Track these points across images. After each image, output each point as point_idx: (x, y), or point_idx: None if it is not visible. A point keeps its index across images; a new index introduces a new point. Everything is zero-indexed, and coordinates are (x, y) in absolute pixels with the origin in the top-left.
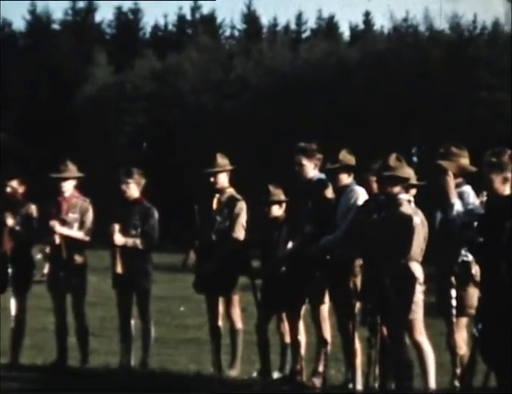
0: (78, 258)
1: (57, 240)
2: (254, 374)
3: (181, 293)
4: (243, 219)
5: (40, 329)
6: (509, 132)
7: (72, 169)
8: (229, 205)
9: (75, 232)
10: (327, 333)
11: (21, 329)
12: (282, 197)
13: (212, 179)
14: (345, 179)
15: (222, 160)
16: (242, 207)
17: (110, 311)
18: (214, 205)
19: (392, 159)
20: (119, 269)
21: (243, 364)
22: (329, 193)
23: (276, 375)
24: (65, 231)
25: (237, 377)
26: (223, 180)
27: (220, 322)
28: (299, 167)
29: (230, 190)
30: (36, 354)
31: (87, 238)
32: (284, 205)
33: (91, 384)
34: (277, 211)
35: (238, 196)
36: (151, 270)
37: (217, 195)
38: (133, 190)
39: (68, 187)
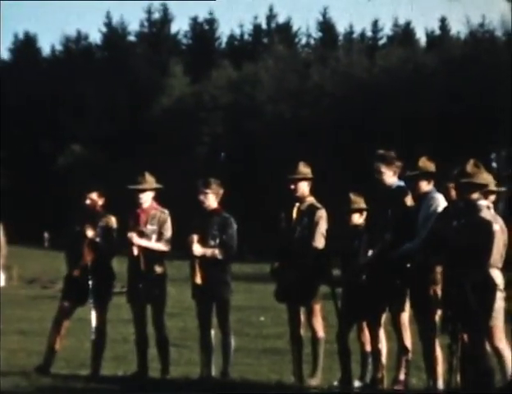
0: (157, 269)
1: (135, 251)
2: (335, 383)
3: (261, 303)
4: (323, 228)
5: (120, 340)
6: None
7: (150, 180)
8: (309, 214)
9: (153, 244)
10: (408, 341)
11: (102, 341)
12: (363, 205)
13: (292, 187)
14: (425, 186)
15: (304, 168)
16: (322, 215)
17: (189, 322)
18: (294, 214)
19: (470, 166)
20: (198, 280)
21: (324, 373)
22: (408, 200)
23: (357, 384)
24: (143, 242)
25: (318, 386)
26: (304, 188)
27: (301, 331)
28: (378, 174)
29: (311, 199)
30: (116, 365)
31: (165, 249)
32: (364, 213)
33: None
34: (358, 219)
35: (318, 205)
36: (230, 280)
37: (297, 204)
38: (211, 200)
39: (146, 199)
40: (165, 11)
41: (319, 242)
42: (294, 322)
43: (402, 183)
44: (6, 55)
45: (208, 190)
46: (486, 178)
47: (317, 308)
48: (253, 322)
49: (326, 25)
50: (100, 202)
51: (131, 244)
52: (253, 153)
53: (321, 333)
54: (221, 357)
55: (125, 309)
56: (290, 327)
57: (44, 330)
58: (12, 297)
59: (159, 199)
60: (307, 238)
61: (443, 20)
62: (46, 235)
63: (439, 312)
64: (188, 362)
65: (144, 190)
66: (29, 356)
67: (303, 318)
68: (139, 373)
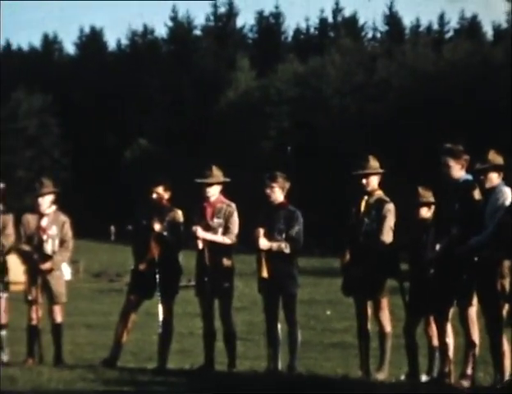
0: (225, 263)
1: (200, 245)
2: (402, 377)
3: (327, 297)
4: (391, 221)
5: (187, 334)
6: None
7: (218, 174)
8: (377, 207)
9: (219, 237)
10: (476, 335)
11: (169, 334)
12: (431, 199)
13: (364, 181)
14: (494, 179)
15: (374, 162)
16: (390, 209)
17: (256, 316)
18: (362, 207)
19: None
20: (264, 274)
21: (391, 367)
22: (476, 194)
23: (424, 378)
24: (208, 236)
25: (385, 380)
26: (374, 182)
27: (368, 326)
28: (445, 168)
29: (379, 193)
30: (183, 358)
31: (231, 243)
32: (432, 207)
33: (238, 389)
34: (426, 213)
35: (386, 198)
36: (297, 274)
37: (366, 197)
38: (277, 194)
39: (214, 192)
40: (231, 5)
41: (387, 236)
42: (362, 317)
43: (470, 177)
44: (72, 50)
45: (274, 184)
46: None
47: (385, 302)
48: (319, 317)
49: (392, 19)
50: (166, 196)
51: (196, 237)
52: (319, 146)
53: (388, 327)
54: (287, 351)
55: (192, 302)
56: (357, 321)
57: (110, 323)
58: (79, 291)
59: (226, 192)
60: (375, 232)
61: (510, 14)
62: (112, 228)
63: (506, 306)
64: (254, 356)
65: (211, 184)
66: (96, 349)
67: (370, 312)
68: (205, 366)
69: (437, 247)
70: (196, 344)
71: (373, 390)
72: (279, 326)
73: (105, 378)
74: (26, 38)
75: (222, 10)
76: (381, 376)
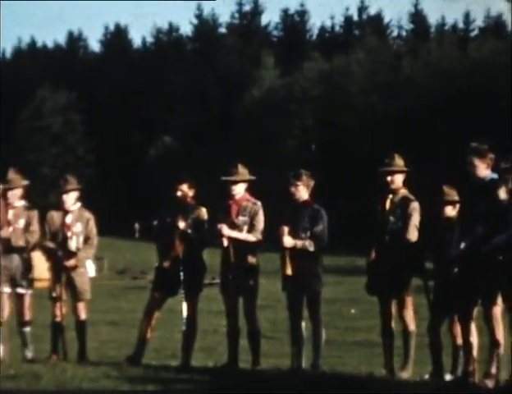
0: (250, 261)
1: (225, 242)
2: (426, 376)
3: (351, 295)
4: (416, 220)
5: (211, 331)
6: None
7: (243, 172)
8: (402, 206)
9: (243, 235)
10: (500, 335)
11: (193, 332)
12: (456, 197)
13: (388, 178)
14: None
15: (399, 161)
16: (415, 207)
17: (280, 314)
18: (387, 206)
19: None
20: (289, 271)
21: (415, 366)
22: (502, 193)
23: (448, 377)
24: (233, 233)
25: (409, 379)
26: (399, 180)
27: (392, 324)
28: (471, 167)
29: (404, 191)
30: (207, 356)
31: (256, 240)
32: (457, 206)
33: (262, 386)
34: (451, 211)
35: (411, 196)
36: (321, 272)
37: (390, 196)
38: (302, 192)
39: (239, 190)
40: (255, 2)
41: (412, 234)
42: (386, 315)
43: (495, 176)
44: (96, 47)
45: (298, 182)
46: None
47: (409, 301)
48: (343, 315)
49: (417, 17)
50: (191, 193)
51: (221, 235)
52: (343, 145)
53: (412, 326)
54: (311, 349)
55: (216, 300)
56: (381, 319)
57: (134, 321)
58: (103, 288)
59: (252, 190)
60: (400, 230)
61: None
62: (137, 226)
63: None
64: (278, 354)
65: (236, 182)
66: (120, 347)
67: (394, 310)
68: (229, 364)
69: (462, 246)
70: (220, 342)
71: (397, 389)
72: (303, 324)
73: (129, 376)
74: (51, 35)
75: (247, 8)
76: (406, 375)
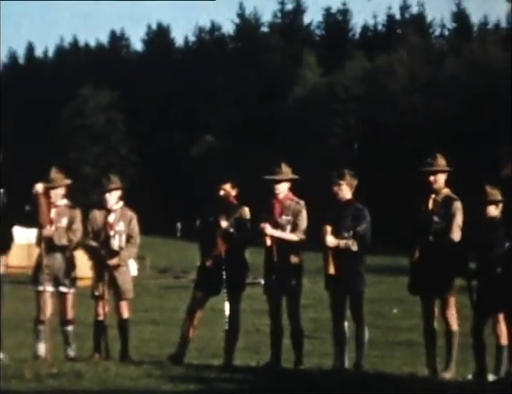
0: (293, 261)
1: (268, 242)
2: (469, 376)
3: (393, 295)
4: (460, 219)
5: (253, 331)
6: None
7: (287, 171)
8: (445, 205)
9: (286, 234)
10: None
11: (235, 331)
12: (499, 197)
13: (431, 178)
14: None
15: (442, 160)
16: (458, 207)
17: (322, 313)
18: (430, 205)
19: None
20: (332, 271)
21: (458, 366)
22: None
23: (491, 377)
24: (276, 233)
25: (452, 379)
26: (442, 180)
27: (435, 324)
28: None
29: (446, 190)
30: (249, 355)
31: (298, 239)
32: (500, 205)
33: (305, 386)
34: (494, 211)
35: (454, 196)
36: (364, 272)
37: (433, 196)
38: (345, 191)
39: (282, 189)
40: (298, 2)
41: (456, 234)
42: (428, 315)
43: None
44: (139, 46)
45: (342, 182)
46: None
47: (452, 300)
48: (385, 315)
49: (460, 16)
50: (234, 192)
51: (264, 234)
52: (385, 144)
53: (455, 326)
54: (353, 349)
55: (258, 299)
56: (423, 319)
57: (176, 320)
58: (145, 287)
59: (295, 189)
60: (443, 230)
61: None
62: (179, 225)
63: None
64: (320, 353)
65: (280, 181)
66: (162, 346)
67: (436, 310)
68: (272, 363)
69: (506, 245)
70: (262, 341)
71: (440, 389)
72: (346, 324)
73: (171, 375)
74: (93, 34)
75: (289, 7)
76: (448, 375)
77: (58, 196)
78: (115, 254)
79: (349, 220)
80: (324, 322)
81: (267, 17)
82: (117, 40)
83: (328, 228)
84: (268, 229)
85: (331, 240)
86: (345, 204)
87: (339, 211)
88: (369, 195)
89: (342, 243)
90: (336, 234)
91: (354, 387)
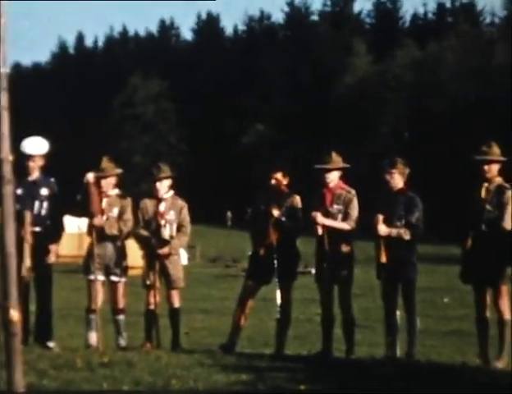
0: (344, 250)
1: (320, 231)
2: None
3: (445, 284)
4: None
5: (304, 320)
6: None
7: (337, 160)
8: (498, 194)
9: (337, 223)
10: None
11: (287, 320)
12: None
13: (486, 167)
14: None
15: (497, 149)
16: (510, 196)
17: (373, 302)
18: (483, 194)
19: None
20: (383, 260)
21: (510, 356)
22: None
23: None
24: (327, 221)
25: (504, 368)
26: (495, 169)
27: (487, 313)
28: None
29: (499, 179)
30: (300, 344)
31: (349, 228)
32: None
33: (356, 375)
34: None
35: (506, 185)
36: (416, 261)
37: (485, 184)
38: (397, 180)
39: (333, 178)
40: None
41: (508, 223)
42: (480, 304)
43: None
44: (189, 35)
45: (393, 170)
46: None
47: (505, 289)
48: (437, 304)
49: (511, 4)
50: (285, 181)
51: (315, 223)
52: (436, 132)
53: (508, 315)
54: (404, 338)
55: (309, 288)
56: (476, 308)
57: (227, 309)
58: (195, 276)
59: (346, 178)
60: (496, 219)
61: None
62: (229, 214)
63: None
64: (371, 343)
65: (330, 170)
66: (212, 334)
67: (489, 299)
68: (323, 352)
69: None
70: (313, 330)
71: (492, 378)
72: (397, 313)
73: (222, 364)
74: (143, 23)
75: None
76: (501, 364)
77: (109, 185)
78: (166, 243)
79: (401, 209)
80: (375, 312)
81: (316, 5)
82: (167, 29)
83: (380, 217)
84: (319, 218)
85: (383, 229)
86: (396, 193)
87: (391, 200)
88: (421, 184)
89: (394, 232)
90: (388, 223)
91: (406, 376)
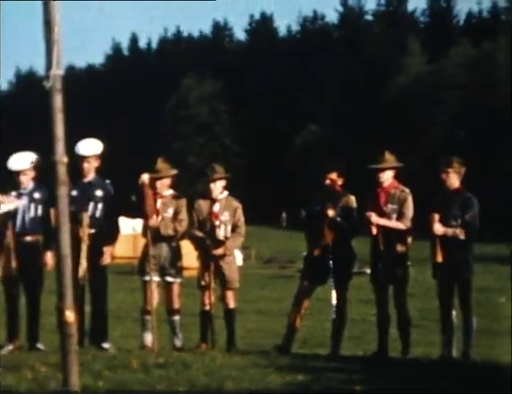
0: (399, 249)
1: (374, 230)
2: None
3: (500, 284)
4: None
5: (359, 320)
6: None
7: (390, 159)
8: None
9: (392, 223)
10: None
11: (342, 320)
12: None
13: None
14: None
15: None
16: None
17: (428, 302)
18: None
19: None
20: (439, 259)
21: None
22: None
23: None
24: (381, 221)
25: None
26: None
27: None
28: None
29: None
30: (355, 345)
31: (404, 228)
32: None
33: (412, 375)
34: None
35: None
36: (472, 260)
37: None
38: (453, 179)
39: (387, 177)
40: None
41: None
42: None
43: None
44: (242, 36)
45: (450, 169)
46: None
47: None
48: (492, 304)
49: None
50: (340, 182)
51: (370, 223)
52: (492, 131)
53: None
54: (460, 338)
55: (364, 288)
56: None
57: (282, 310)
58: (250, 277)
59: (400, 177)
60: None
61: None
62: (284, 215)
63: None
64: (427, 342)
65: (384, 169)
66: (267, 336)
67: None
68: (379, 352)
69: None
70: (369, 330)
71: None
72: (453, 312)
73: (278, 364)
74: (196, 25)
75: None
76: None
77: (164, 186)
78: (220, 243)
79: (456, 208)
80: (430, 311)
81: (370, 5)
82: (220, 30)
83: (436, 216)
84: (374, 217)
85: (438, 229)
86: (452, 192)
87: (447, 199)
88: (476, 183)
89: (450, 231)
90: (444, 222)
91: (462, 376)
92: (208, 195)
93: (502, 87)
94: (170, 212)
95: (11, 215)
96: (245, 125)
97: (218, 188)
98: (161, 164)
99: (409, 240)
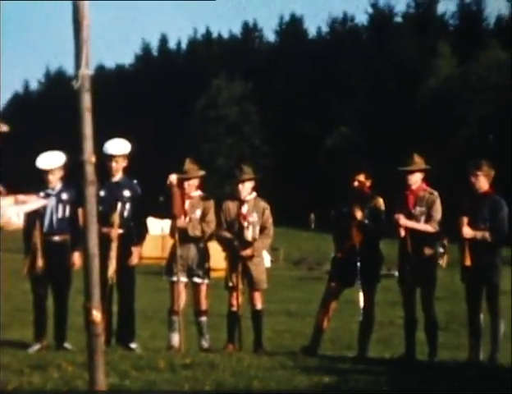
0: (427, 252)
1: (402, 233)
2: None
3: None
4: None
5: (386, 323)
6: None
7: (419, 162)
8: None
9: (420, 225)
10: None
11: (370, 322)
12: None
13: None
14: None
15: None
16: None
17: (457, 305)
18: None
19: None
20: (468, 262)
21: None
22: None
23: None
24: (410, 223)
25: None
26: None
27: None
28: None
29: None
30: (383, 347)
31: (432, 230)
32: None
33: (439, 378)
34: None
35: None
36: (500, 264)
37: None
38: (482, 182)
39: (415, 180)
40: None
41: None
42: None
43: None
44: (272, 37)
45: (479, 172)
46: None
47: None
48: None
49: None
50: (368, 183)
51: (398, 225)
52: None
53: None
54: (488, 341)
55: (392, 291)
56: None
57: (310, 311)
58: (278, 278)
59: (429, 180)
60: None
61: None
62: (312, 216)
63: None
64: (454, 346)
65: (413, 172)
66: (295, 337)
67: None
68: (406, 355)
69: None
70: (396, 333)
71: None
72: (481, 316)
73: (305, 366)
74: (226, 26)
75: None
76: None
77: (192, 187)
78: (248, 244)
79: (485, 211)
80: (457, 315)
81: (400, 7)
82: (250, 32)
83: (465, 219)
84: (402, 220)
85: (467, 232)
86: (482, 195)
87: (476, 202)
88: (506, 186)
89: (479, 234)
90: (473, 225)
91: (489, 380)
92: (236, 196)
93: None
94: (198, 213)
95: (39, 215)
96: (275, 126)
97: (247, 189)
98: (189, 165)
99: (445, 241)
